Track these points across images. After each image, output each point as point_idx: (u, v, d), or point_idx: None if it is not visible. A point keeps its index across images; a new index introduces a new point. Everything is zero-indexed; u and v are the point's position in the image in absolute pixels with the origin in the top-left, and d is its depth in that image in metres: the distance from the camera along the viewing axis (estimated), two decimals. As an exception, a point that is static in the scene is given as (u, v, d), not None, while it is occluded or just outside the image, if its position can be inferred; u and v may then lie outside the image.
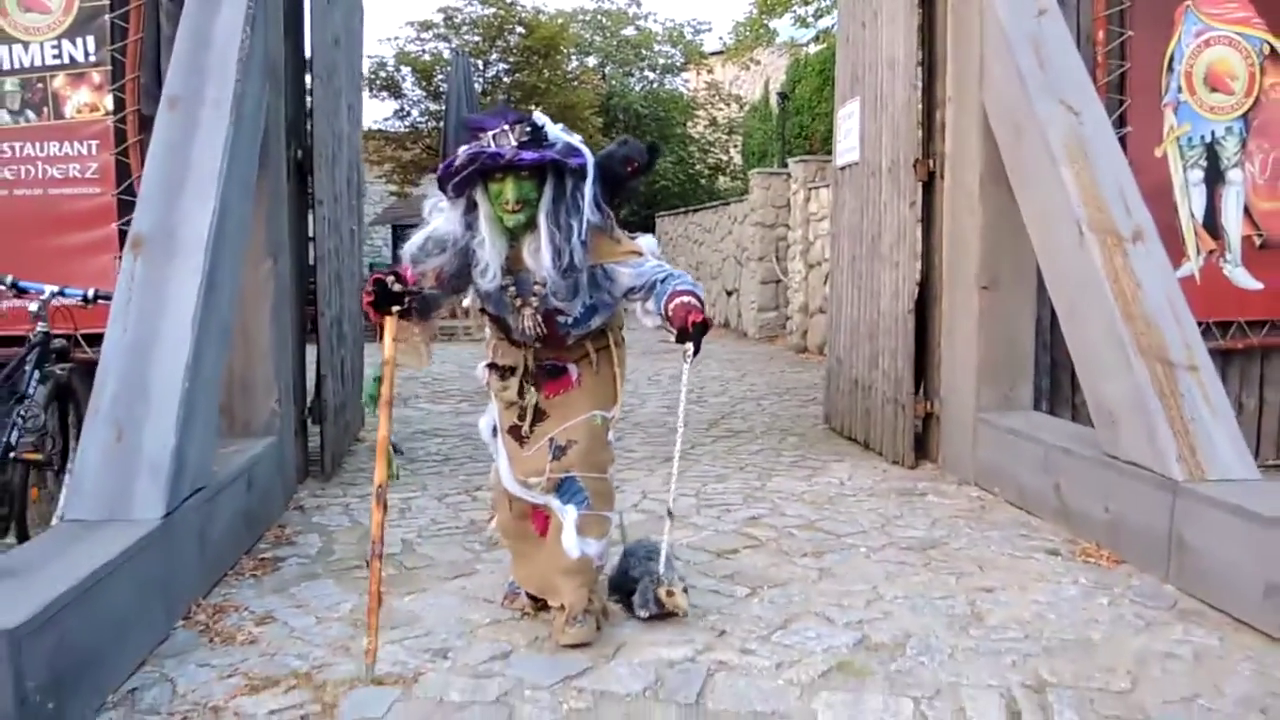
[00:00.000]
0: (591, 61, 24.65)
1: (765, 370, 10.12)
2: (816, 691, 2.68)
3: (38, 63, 4.54)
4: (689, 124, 24.16)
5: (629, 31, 25.00)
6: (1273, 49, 5.35)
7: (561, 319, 2.98)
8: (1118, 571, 3.66)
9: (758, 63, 20.38)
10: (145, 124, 4.51)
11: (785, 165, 13.77)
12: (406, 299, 2.88)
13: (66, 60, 4.55)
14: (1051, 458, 4.30)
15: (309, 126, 5.12)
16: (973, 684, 2.72)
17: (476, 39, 20.43)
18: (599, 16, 24.99)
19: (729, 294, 14.97)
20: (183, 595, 3.18)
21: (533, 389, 3.07)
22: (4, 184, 4.54)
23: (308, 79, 5.15)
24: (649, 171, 3.08)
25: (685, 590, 3.15)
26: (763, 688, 2.70)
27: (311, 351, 5.31)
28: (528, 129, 2.80)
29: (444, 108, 16.56)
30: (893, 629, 3.11)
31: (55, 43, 4.54)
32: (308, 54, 5.13)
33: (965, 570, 3.69)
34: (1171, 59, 5.23)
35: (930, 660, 2.88)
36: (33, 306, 3.71)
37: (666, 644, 2.97)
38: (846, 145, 6.42)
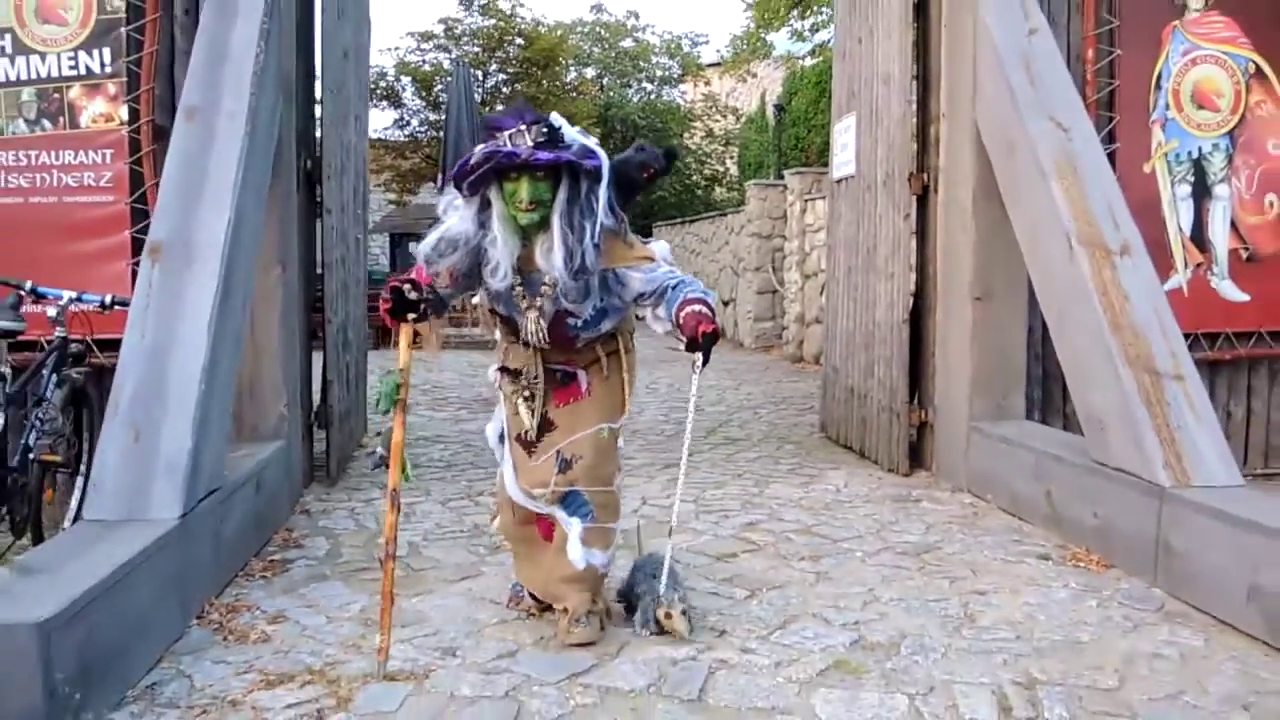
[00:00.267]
0: (590, 72, 24.84)
1: (761, 380, 10.23)
2: (815, 688, 2.77)
3: (54, 73, 4.64)
4: (686, 135, 24.32)
5: (627, 43, 25.19)
6: (1258, 67, 5.48)
7: (572, 321, 2.98)
8: (1106, 575, 3.76)
9: (754, 75, 20.57)
10: (159, 134, 4.63)
11: (781, 177, 13.90)
12: (422, 305, 2.90)
13: (83, 71, 4.65)
14: (1042, 465, 4.40)
15: (318, 137, 5.23)
16: (965, 681, 2.82)
17: (476, 50, 20.60)
18: (598, 28, 25.17)
19: (725, 304, 15.09)
20: (197, 594, 3.27)
21: (540, 397, 3.08)
22: (20, 191, 4.64)
23: (318, 91, 5.25)
24: (666, 175, 3.12)
25: (685, 612, 3.09)
26: (762, 685, 2.79)
27: (317, 358, 5.42)
28: (544, 129, 2.81)
29: (444, 118, 16.71)
30: (888, 629, 3.21)
31: (72, 54, 4.64)
32: (318, 67, 5.23)
33: (958, 574, 3.79)
34: (1159, 77, 5.36)
35: (924, 659, 2.97)
36: (51, 311, 3.80)
37: (669, 643, 3.06)
38: (842, 159, 6.53)
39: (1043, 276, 4.51)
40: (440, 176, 14.90)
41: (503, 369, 3.18)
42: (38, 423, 3.58)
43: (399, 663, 2.87)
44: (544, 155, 2.76)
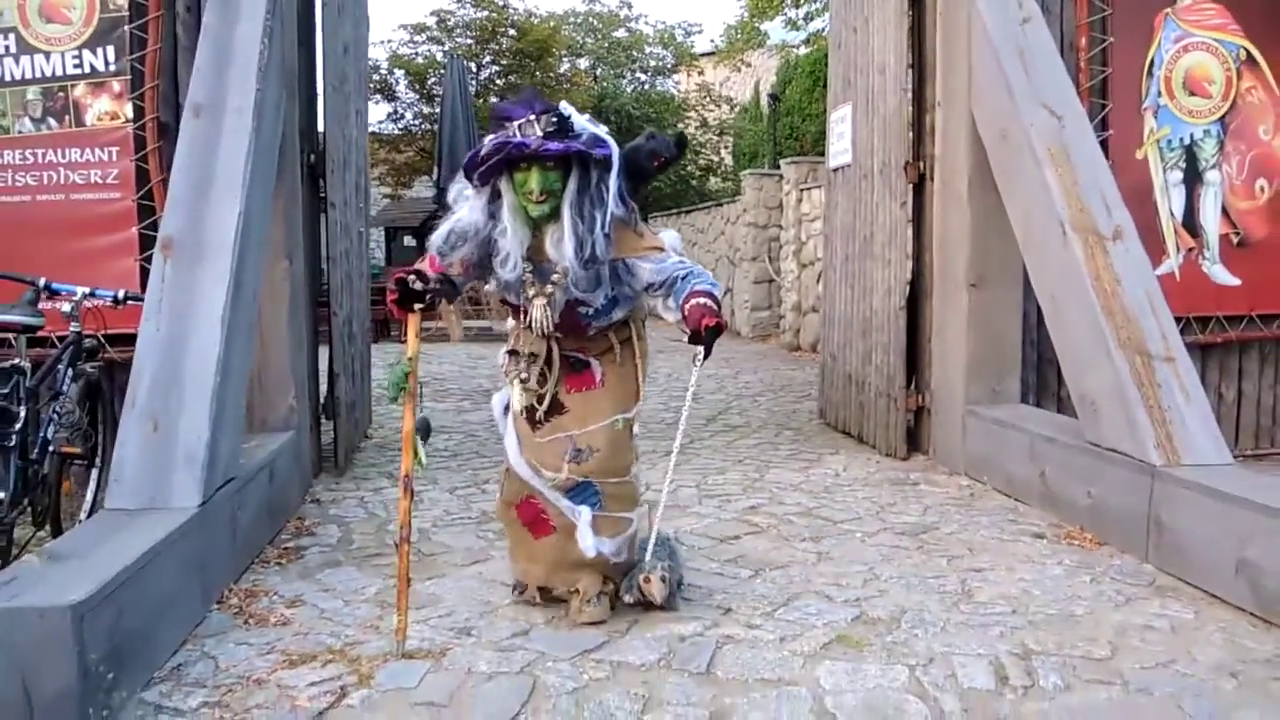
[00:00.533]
0: (583, 63, 24.82)
1: (759, 368, 10.32)
2: (819, 661, 2.86)
3: (59, 72, 4.70)
4: (680, 125, 24.35)
5: (620, 34, 25.18)
6: (1249, 54, 5.57)
7: (583, 310, 2.99)
8: (1099, 552, 3.86)
9: (749, 65, 20.60)
10: (164, 131, 4.70)
11: (776, 166, 13.97)
12: (428, 295, 2.92)
13: (87, 69, 4.71)
14: (1037, 447, 4.50)
15: (320, 132, 5.29)
16: (964, 653, 2.91)
17: (469, 42, 20.60)
18: (590, 19, 25.17)
19: (725, 293, 15.16)
20: (217, 580, 3.35)
21: (552, 381, 3.07)
22: (27, 190, 4.70)
23: (319, 86, 5.32)
24: (677, 163, 3.15)
25: (664, 579, 3.13)
26: (768, 658, 2.88)
27: (322, 350, 5.49)
28: (554, 119, 2.81)
29: (438, 111, 16.75)
30: (888, 605, 3.30)
31: (76, 53, 4.70)
32: (319, 62, 5.29)
33: (956, 553, 3.89)
34: (1151, 64, 5.45)
35: (924, 633, 3.07)
36: (65, 307, 3.87)
37: (677, 620, 3.15)
38: (839, 148, 6.61)
39: (1037, 262, 4.60)
40: (436, 170, 14.95)
41: (512, 352, 3.17)
42: (55, 416, 3.66)
43: (416, 642, 2.96)
44: (554, 146, 2.77)
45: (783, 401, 8.03)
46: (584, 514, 3.08)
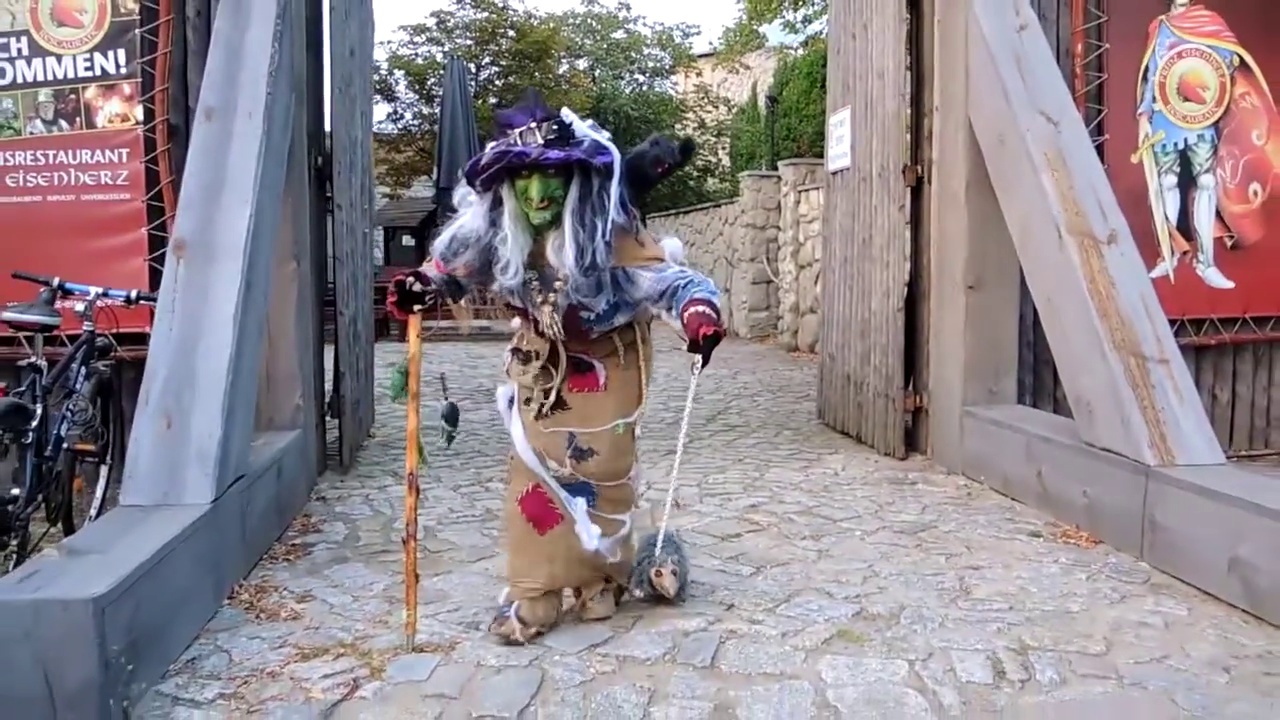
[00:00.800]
0: (582, 64, 24.88)
1: (758, 368, 10.39)
2: (820, 655, 2.93)
3: (71, 74, 4.76)
4: (678, 126, 24.41)
5: (619, 35, 25.25)
6: (1242, 60, 5.65)
7: (585, 314, 2.98)
8: (1095, 550, 3.93)
9: (747, 67, 20.67)
10: (173, 133, 4.76)
11: (774, 167, 14.04)
12: (428, 297, 2.95)
13: (98, 72, 4.77)
14: (1033, 447, 4.57)
15: (328, 134, 5.35)
16: (962, 648, 2.98)
17: (469, 43, 20.66)
18: (589, 20, 25.24)
19: (723, 292, 15.22)
20: (228, 576, 3.41)
21: (558, 379, 3.06)
22: (39, 190, 4.76)
23: (326, 89, 5.38)
24: (681, 169, 3.14)
25: (674, 572, 3.20)
26: (771, 652, 2.95)
27: (327, 349, 5.56)
28: (554, 126, 2.80)
29: (438, 111, 16.82)
30: (888, 602, 3.37)
31: (88, 56, 4.76)
32: (326, 65, 5.35)
33: (954, 551, 3.96)
34: (1146, 70, 5.52)
35: (923, 628, 3.14)
36: (79, 307, 3.93)
37: (680, 616, 3.22)
38: (838, 151, 6.68)
39: (1033, 265, 4.67)
40: (436, 170, 15.01)
41: (515, 350, 3.18)
42: (68, 414, 3.72)
43: (425, 636, 3.02)
44: (554, 154, 2.76)
45: (781, 402, 8.10)
46: (580, 505, 3.08)
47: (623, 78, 25.05)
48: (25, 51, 4.75)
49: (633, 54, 25.11)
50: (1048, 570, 3.71)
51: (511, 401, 3.23)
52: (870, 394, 6.02)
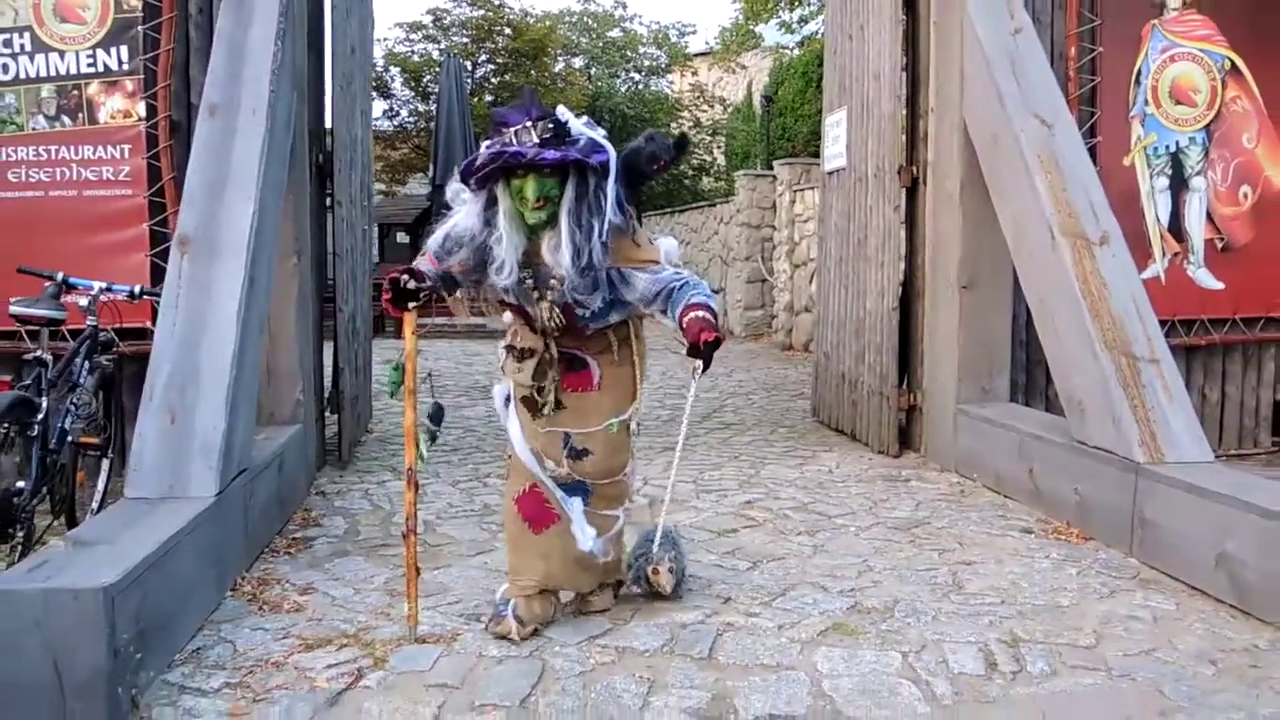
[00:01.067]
0: (578, 63, 24.92)
1: (752, 367, 10.45)
2: (816, 647, 2.99)
3: (73, 70, 4.79)
4: (673, 125, 24.46)
5: (615, 34, 25.28)
6: (1234, 64, 5.72)
7: (581, 311, 2.96)
8: (1086, 547, 3.99)
9: (743, 67, 20.72)
10: (175, 129, 4.79)
11: (770, 166, 14.09)
12: (422, 294, 2.94)
13: (101, 69, 4.80)
14: (1026, 445, 4.63)
15: (329, 131, 5.39)
16: (955, 640, 3.04)
17: (465, 40, 20.69)
18: (585, 18, 25.27)
19: (715, 292, 15.26)
20: (231, 568, 3.45)
21: (552, 374, 3.05)
22: (40, 186, 4.79)
23: (327, 86, 5.41)
24: (677, 165, 3.09)
25: (671, 569, 3.23)
26: (767, 644, 3.00)
27: (326, 345, 5.60)
28: (550, 125, 2.78)
29: (434, 109, 16.84)
30: (882, 595, 3.43)
31: (90, 52, 4.79)
32: (327, 62, 5.39)
33: (947, 546, 4.01)
34: (1139, 73, 5.59)
35: (916, 621, 3.19)
36: (83, 301, 3.96)
37: (678, 609, 3.27)
38: (834, 151, 6.73)
39: (1026, 265, 4.73)
40: (432, 167, 15.05)
41: (509, 347, 3.16)
42: (72, 407, 3.76)
43: (427, 627, 3.07)
44: (550, 155, 2.74)
45: (776, 400, 8.16)
46: (576, 505, 3.10)
47: (618, 76, 25.10)
48: (28, 47, 4.78)
49: (628, 53, 25.15)
50: (1039, 565, 3.77)
51: (508, 400, 3.23)
52: (865, 392, 6.08)
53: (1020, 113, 4.69)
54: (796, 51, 17.20)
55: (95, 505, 4.12)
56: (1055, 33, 5.43)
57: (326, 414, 5.51)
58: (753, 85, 19.95)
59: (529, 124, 2.78)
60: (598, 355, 3.11)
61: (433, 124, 15.96)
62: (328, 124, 5.51)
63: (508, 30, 20.76)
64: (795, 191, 12.19)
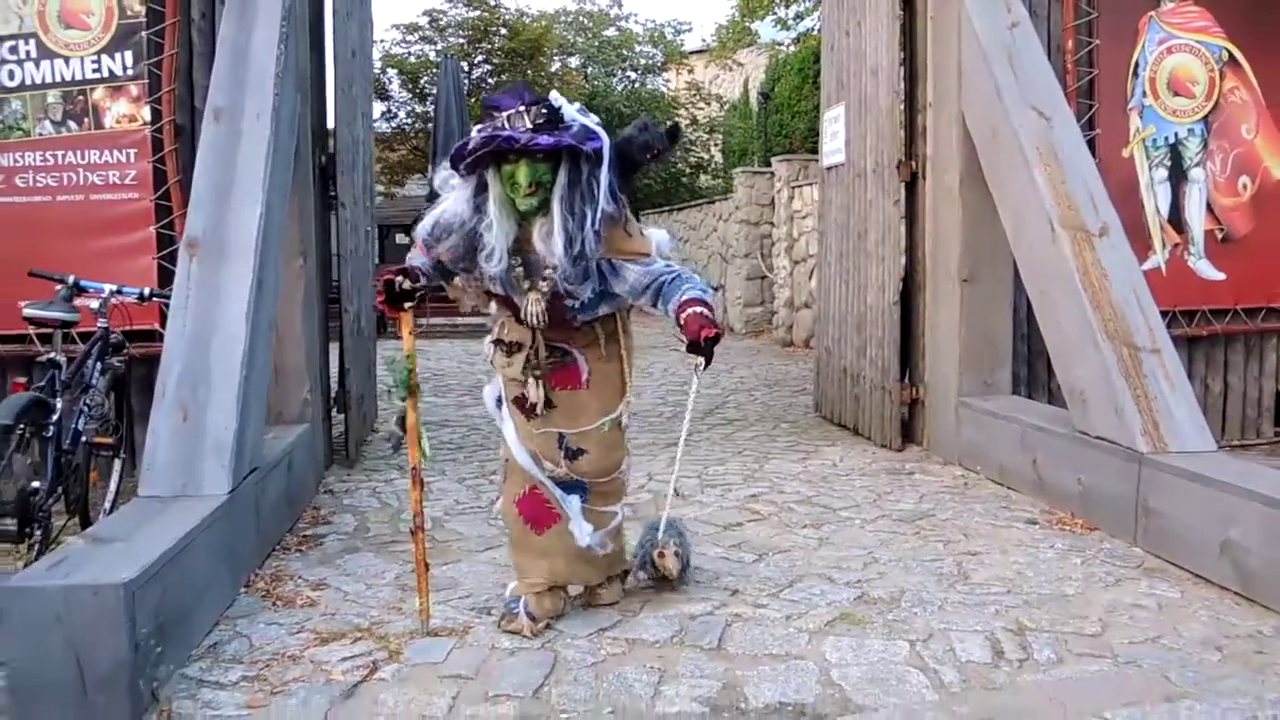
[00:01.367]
0: (574, 62, 24.96)
1: (753, 363, 10.48)
2: (823, 637, 3.02)
3: (79, 76, 4.83)
4: (670, 122, 24.46)
5: (610, 32, 25.33)
6: (1231, 55, 5.75)
7: (570, 303, 2.92)
8: (1090, 537, 4.03)
9: (740, 64, 20.75)
10: (180, 133, 4.83)
11: (767, 163, 14.12)
12: (416, 294, 2.91)
13: (106, 74, 4.84)
14: (1028, 436, 4.66)
15: (331, 133, 5.42)
16: (961, 629, 3.07)
17: (461, 41, 20.73)
18: (581, 18, 25.31)
19: (715, 289, 15.32)
20: (244, 565, 3.49)
21: (538, 371, 3.02)
22: (48, 190, 4.83)
23: (328, 88, 5.45)
24: (669, 154, 3.06)
25: (676, 553, 3.26)
26: (776, 634, 3.04)
27: (331, 346, 5.63)
28: (543, 111, 2.75)
29: (431, 110, 16.88)
30: (888, 586, 3.46)
31: (95, 58, 4.83)
32: (328, 65, 5.42)
33: (952, 538, 4.05)
34: (1136, 66, 5.62)
35: (923, 611, 3.23)
36: (94, 304, 3.99)
37: (686, 601, 3.31)
38: (833, 147, 6.76)
39: (1027, 258, 4.76)
40: (431, 168, 15.09)
41: (497, 341, 3.12)
42: (86, 408, 3.79)
43: (440, 621, 3.11)
44: (544, 140, 2.70)
45: (778, 395, 8.19)
46: (574, 503, 3.10)
47: (615, 75, 25.14)
48: (33, 54, 4.82)
49: (624, 51, 25.19)
50: (1044, 556, 3.80)
51: (500, 402, 3.19)
52: (867, 386, 6.11)
53: (1018, 106, 4.72)
54: (792, 48, 17.24)
55: (108, 505, 4.15)
56: (1052, 26, 5.47)
57: (333, 413, 5.54)
58: (749, 82, 19.99)
59: (522, 109, 2.75)
60: (585, 349, 3.08)
61: (430, 125, 15.99)
62: (329, 126, 5.54)
63: (504, 31, 20.81)
64: (794, 188, 12.22)
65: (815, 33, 14.59)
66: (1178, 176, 5.71)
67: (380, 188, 20.92)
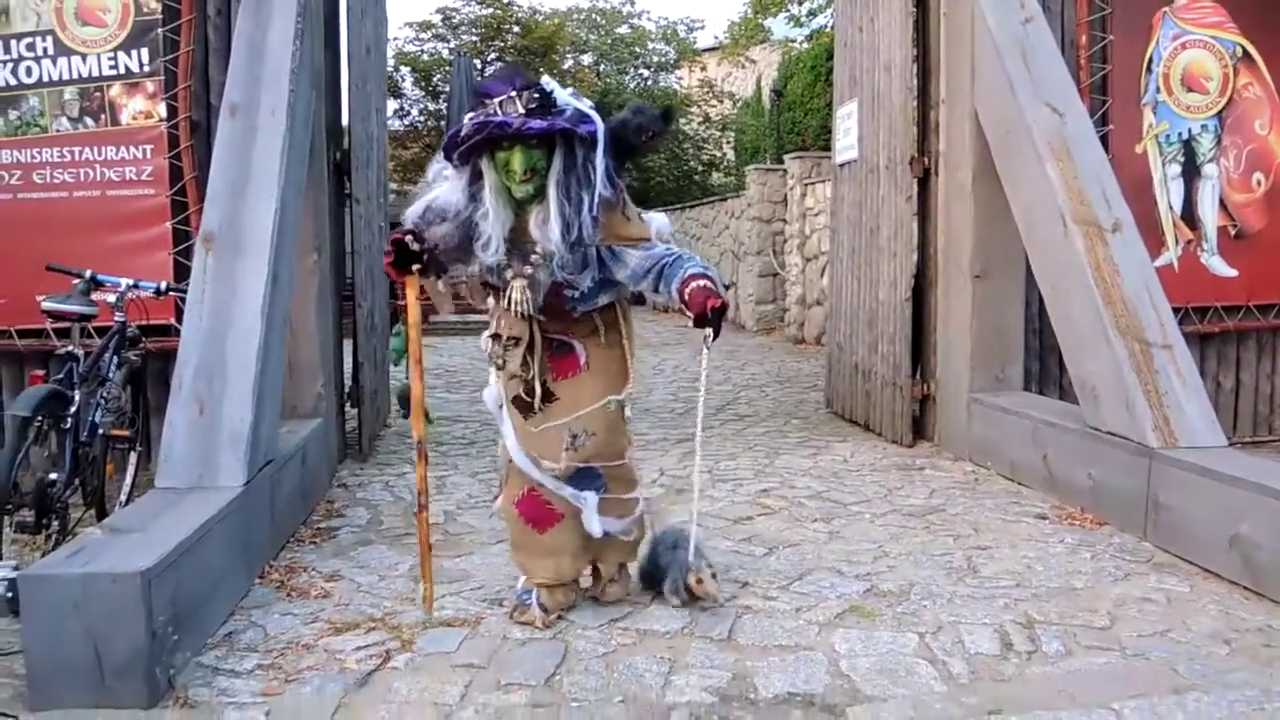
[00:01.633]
0: (587, 60, 24.99)
1: (765, 360, 10.49)
2: (833, 629, 3.04)
3: (95, 73, 4.87)
4: (682, 120, 24.48)
5: (623, 30, 25.34)
6: (1245, 51, 5.72)
7: (570, 293, 2.89)
8: (1100, 531, 4.03)
9: (752, 61, 20.74)
10: (196, 129, 4.87)
11: (780, 161, 14.12)
12: (425, 256, 2.82)
13: (122, 70, 4.88)
14: (1039, 432, 4.67)
15: (346, 129, 5.46)
16: (970, 622, 3.09)
17: (474, 39, 20.78)
18: (594, 15, 25.34)
19: (726, 288, 15.27)
20: (259, 556, 3.53)
21: (536, 365, 2.98)
22: (65, 186, 4.87)
23: (343, 85, 5.48)
24: (664, 137, 2.92)
25: (715, 576, 3.16)
26: (785, 626, 3.06)
27: (345, 341, 5.68)
28: (535, 95, 2.70)
29: (444, 108, 16.94)
30: (898, 579, 3.48)
31: (112, 54, 4.87)
32: (344, 62, 5.46)
33: (962, 532, 4.06)
34: (1150, 61, 5.60)
35: (932, 604, 3.24)
36: (111, 298, 4.04)
37: (697, 593, 3.33)
38: (845, 143, 6.77)
39: (1039, 254, 4.76)
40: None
41: (494, 335, 3.04)
42: (102, 401, 3.84)
43: (451, 611, 3.14)
44: (537, 124, 2.65)
45: (789, 392, 8.20)
46: (590, 500, 3.03)
47: (627, 73, 25.15)
48: (51, 51, 4.86)
49: (637, 49, 25.20)
50: (1053, 550, 3.81)
51: (501, 405, 3.11)
52: (878, 382, 6.12)
53: (1032, 102, 4.72)
54: (805, 45, 17.21)
55: (124, 496, 4.20)
56: (1066, 21, 5.45)
57: (346, 408, 5.59)
58: (762, 79, 19.97)
59: (513, 94, 2.70)
60: (584, 339, 3.05)
61: (443, 123, 16.04)
62: (344, 122, 5.58)
63: (517, 28, 20.86)
64: (806, 185, 12.21)
65: (828, 29, 14.56)
66: (1191, 172, 5.69)
67: (394, 185, 20.98)
